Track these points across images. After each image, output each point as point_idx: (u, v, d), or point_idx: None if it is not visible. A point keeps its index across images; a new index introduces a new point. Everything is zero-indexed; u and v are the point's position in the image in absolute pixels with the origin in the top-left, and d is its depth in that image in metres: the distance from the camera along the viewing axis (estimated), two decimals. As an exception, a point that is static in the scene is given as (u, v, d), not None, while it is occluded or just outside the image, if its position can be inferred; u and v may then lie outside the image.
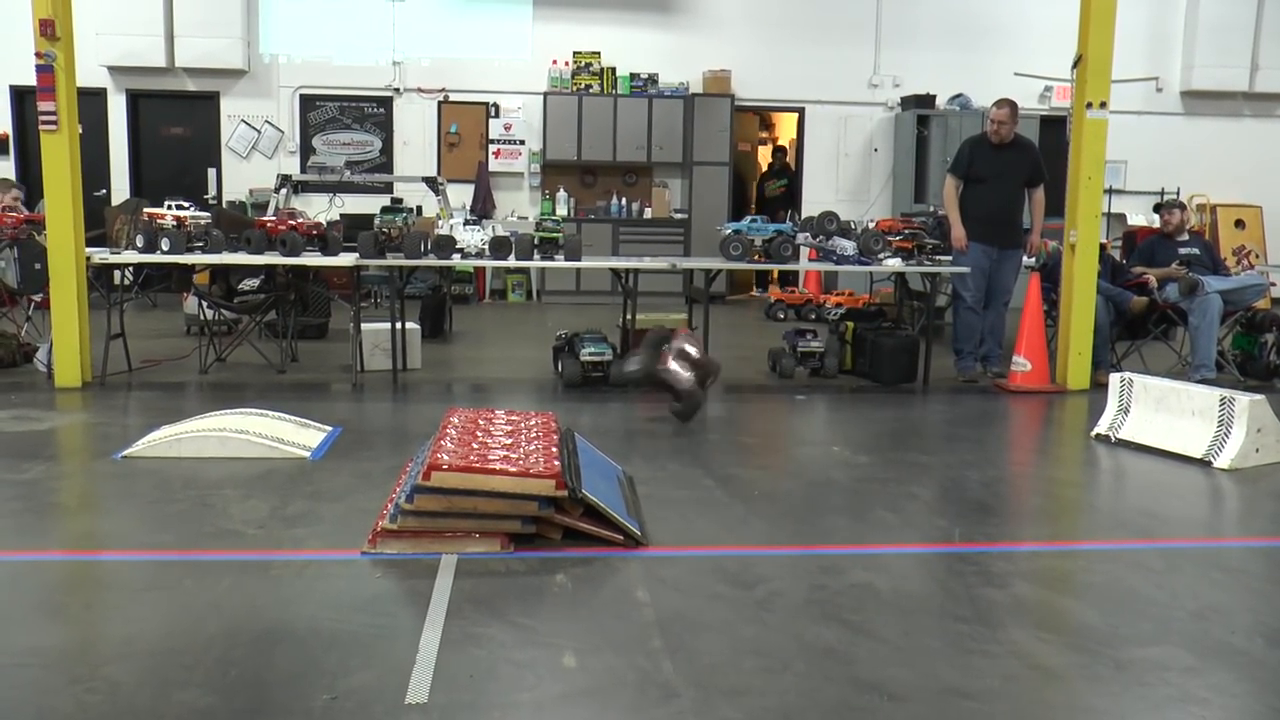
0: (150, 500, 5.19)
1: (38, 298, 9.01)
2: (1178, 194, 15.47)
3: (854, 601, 4.04)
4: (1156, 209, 9.46)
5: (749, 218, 8.91)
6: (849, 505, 5.38)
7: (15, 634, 3.65)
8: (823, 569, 4.39)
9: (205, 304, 9.20)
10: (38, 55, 7.76)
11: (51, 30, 7.75)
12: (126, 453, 5.96)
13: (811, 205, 14.65)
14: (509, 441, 4.85)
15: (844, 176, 15.59)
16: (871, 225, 9.03)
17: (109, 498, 5.38)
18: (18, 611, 3.86)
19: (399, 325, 8.61)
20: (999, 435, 7.36)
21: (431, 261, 8.31)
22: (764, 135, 17.11)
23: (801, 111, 15.54)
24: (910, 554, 4.70)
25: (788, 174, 15.93)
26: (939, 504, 5.48)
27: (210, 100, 14.68)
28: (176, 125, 14.95)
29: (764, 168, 17.01)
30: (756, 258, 8.61)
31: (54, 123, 7.83)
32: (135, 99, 14.66)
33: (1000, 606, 4.03)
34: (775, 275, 14.24)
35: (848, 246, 8.65)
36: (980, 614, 3.94)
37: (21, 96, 14.19)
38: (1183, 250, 9.19)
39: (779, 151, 16.23)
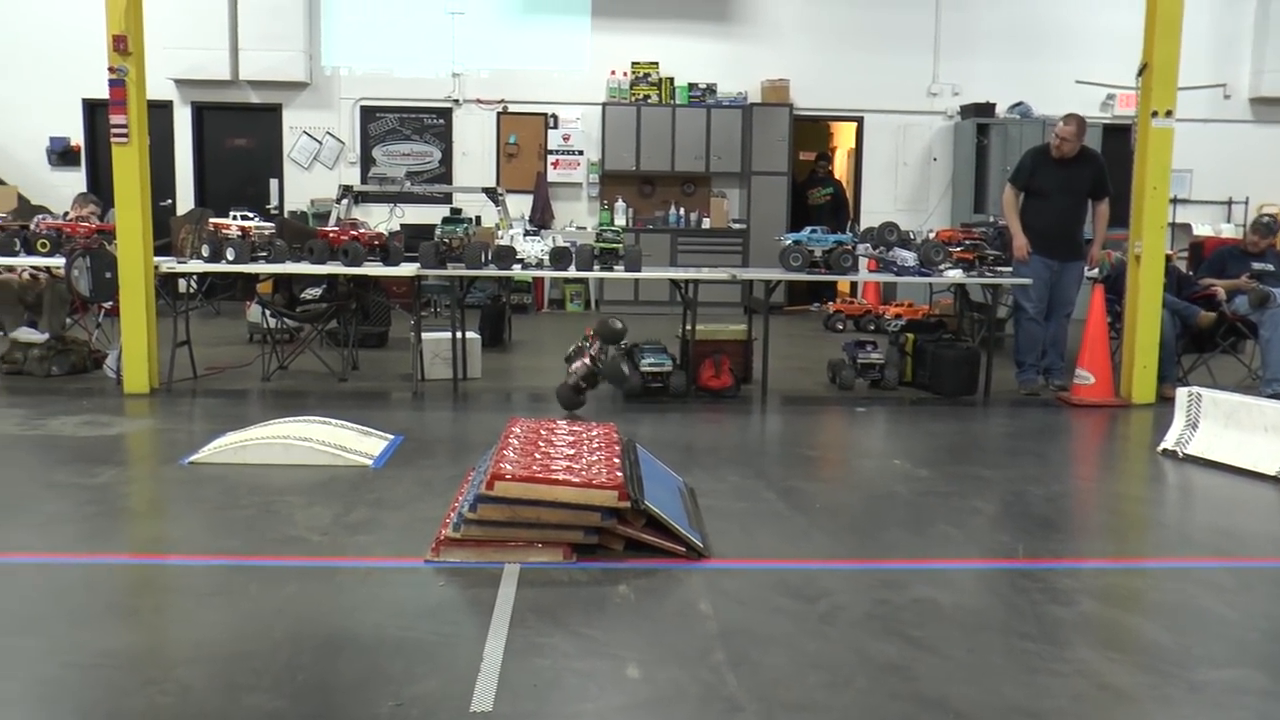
0: (217, 506, 5.28)
1: (108, 305, 9.19)
2: (1246, 203, 15.24)
3: (916, 617, 4.01)
4: (1255, 228, 9.24)
5: (808, 228, 8.88)
6: (911, 519, 5.34)
7: (91, 635, 3.73)
8: (885, 583, 4.37)
9: (268, 312, 9.33)
10: (110, 70, 7.93)
11: (124, 46, 7.91)
12: (193, 459, 6.07)
13: (870, 215, 14.57)
14: (571, 452, 4.87)
15: (902, 186, 15.51)
16: (932, 236, 8.97)
17: (177, 503, 5.48)
18: (92, 613, 3.94)
19: (459, 334, 8.69)
20: (1062, 449, 7.27)
21: (492, 272, 8.39)
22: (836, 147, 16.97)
23: (860, 120, 15.48)
24: (973, 570, 4.66)
25: (833, 181, 15.70)
26: (1002, 519, 5.43)
27: (273, 112, 14.91)
28: (240, 136, 15.19)
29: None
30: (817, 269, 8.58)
31: (125, 136, 8.00)
32: (200, 111, 14.93)
33: (1066, 624, 3.98)
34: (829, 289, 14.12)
35: (908, 257, 8.60)
36: (1046, 631, 3.90)
37: (93, 109, 14.49)
38: (1255, 264, 9.02)
39: (822, 159, 15.94)
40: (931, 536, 5.07)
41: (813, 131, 16.29)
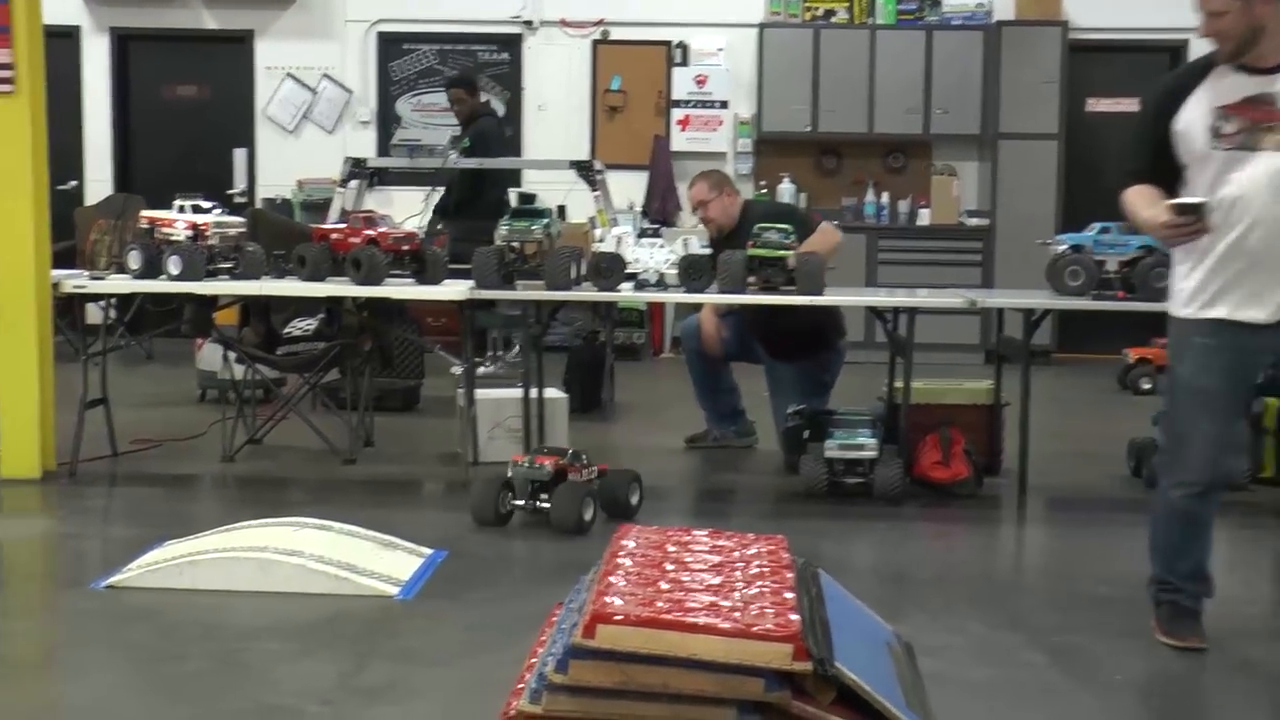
0: (150, 656, 5.38)
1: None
2: None
3: None
4: None
5: (1097, 225, 8.80)
6: (1280, 704, 5.26)
7: None
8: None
9: (233, 356, 9.49)
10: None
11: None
12: (112, 580, 6.18)
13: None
14: (716, 580, 4.86)
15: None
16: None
17: (85, 649, 5.57)
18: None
19: (534, 393, 8.76)
20: None
21: (588, 294, 8.45)
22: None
23: (1176, 52, 15.30)
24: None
25: None
26: None
27: (240, 44, 15.22)
28: (188, 82, 15.55)
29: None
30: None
31: (8, 81, 8.21)
32: (124, 42, 15.26)
33: None
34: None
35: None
36: None
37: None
38: None
39: None
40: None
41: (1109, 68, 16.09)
